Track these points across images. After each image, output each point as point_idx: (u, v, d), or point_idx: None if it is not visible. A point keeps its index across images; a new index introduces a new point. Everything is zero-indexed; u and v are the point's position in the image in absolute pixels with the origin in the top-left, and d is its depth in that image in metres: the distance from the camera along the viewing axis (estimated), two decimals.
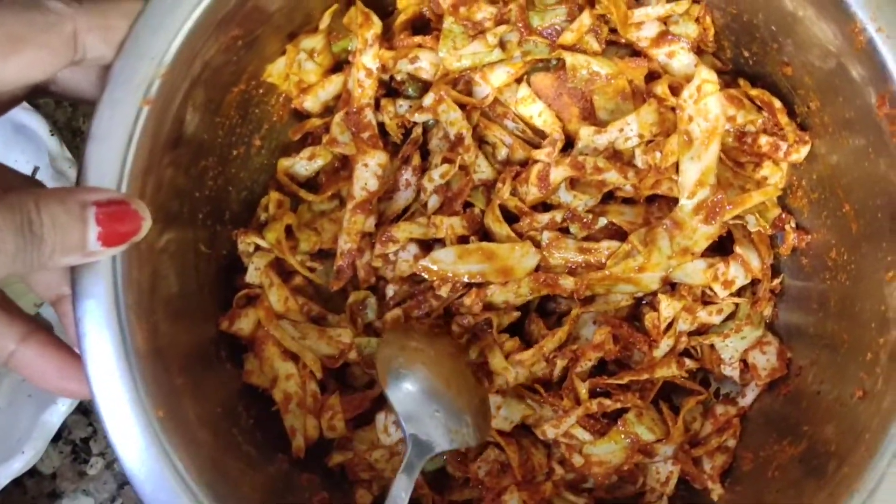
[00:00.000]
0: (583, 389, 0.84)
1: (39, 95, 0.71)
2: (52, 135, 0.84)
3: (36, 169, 0.87)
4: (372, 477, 0.86)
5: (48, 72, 0.65)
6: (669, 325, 0.85)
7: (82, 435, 0.92)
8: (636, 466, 0.85)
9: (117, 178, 0.68)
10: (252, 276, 0.86)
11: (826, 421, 0.77)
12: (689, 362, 0.87)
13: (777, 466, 0.80)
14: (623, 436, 0.84)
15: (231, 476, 0.75)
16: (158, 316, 0.73)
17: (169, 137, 0.73)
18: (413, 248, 0.85)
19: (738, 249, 0.85)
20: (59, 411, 0.84)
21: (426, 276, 0.83)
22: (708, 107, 0.83)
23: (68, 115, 0.95)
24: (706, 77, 0.82)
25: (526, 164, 0.86)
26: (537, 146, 0.86)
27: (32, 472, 0.94)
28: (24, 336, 0.69)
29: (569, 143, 0.86)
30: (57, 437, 0.92)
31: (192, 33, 0.71)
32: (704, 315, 0.86)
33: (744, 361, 0.87)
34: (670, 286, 0.85)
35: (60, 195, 0.62)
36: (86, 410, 0.92)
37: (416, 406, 0.79)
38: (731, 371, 0.87)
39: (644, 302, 0.87)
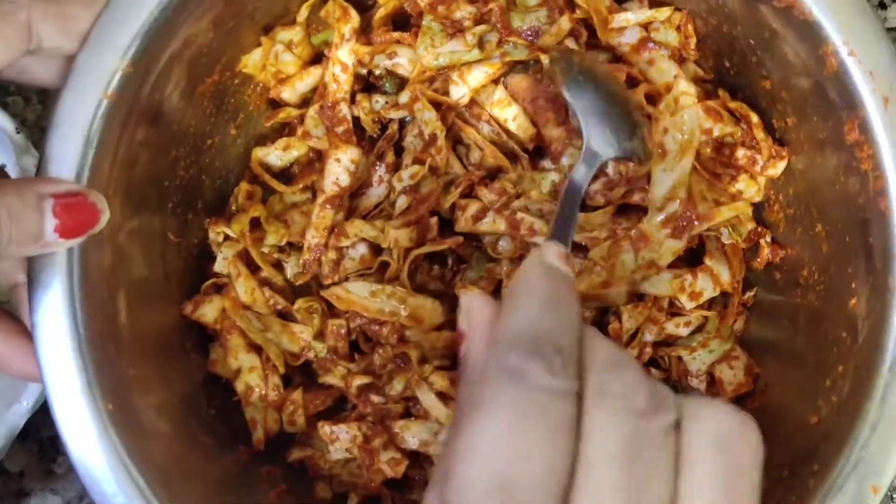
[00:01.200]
0: None
1: None
2: (19, 132, 0.84)
3: (2, 167, 0.86)
4: (332, 473, 0.86)
5: (3, 61, 0.65)
6: (634, 335, 0.84)
7: (49, 433, 0.92)
8: None
9: (77, 168, 0.69)
10: (220, 265, 0.86)
11: (784, 443, 0.76)
12: (655, 372, 0.86)
13: None
14: None
15: (187, 468, 0.75)
16: (118, 304, 0.73)
17: (135, 128, 0.73)
18: (362, 248, 0.84)
19: (707, 261, 0.84)
20: (24, 409, 0.85)
21: (333, 302, 0.84)
22: (684, 119, 0.82)
23: (38, 113, 0.96)
24: (684, 89, 0.81)
25: (499, 171, 0.85)
26: (511, 152, 0.85)
27: None
28: None
29: (542, 150, 0.86)
30: (24, 436, 0.92)
31: (159, 25, 0.71)
32: (671, 327, 0.85)
33: (711, 374, 0.86)
34: (637, 297, 0.85)
35: (18, 186, 0.62)
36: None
37: (591, 102, 0.79)
38: (698, 384, 0.86)
39: (611, 311, 0.86)
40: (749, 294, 0.86)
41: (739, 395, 0.85)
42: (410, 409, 0.84)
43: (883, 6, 1.02)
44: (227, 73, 0.82)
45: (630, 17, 0.83)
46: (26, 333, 0.70)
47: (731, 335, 0.86)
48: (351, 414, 0.84)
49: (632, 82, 0.84)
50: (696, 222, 0.81)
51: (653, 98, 0.83)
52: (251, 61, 0.84)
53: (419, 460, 0.86)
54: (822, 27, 0.69)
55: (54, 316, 0.68)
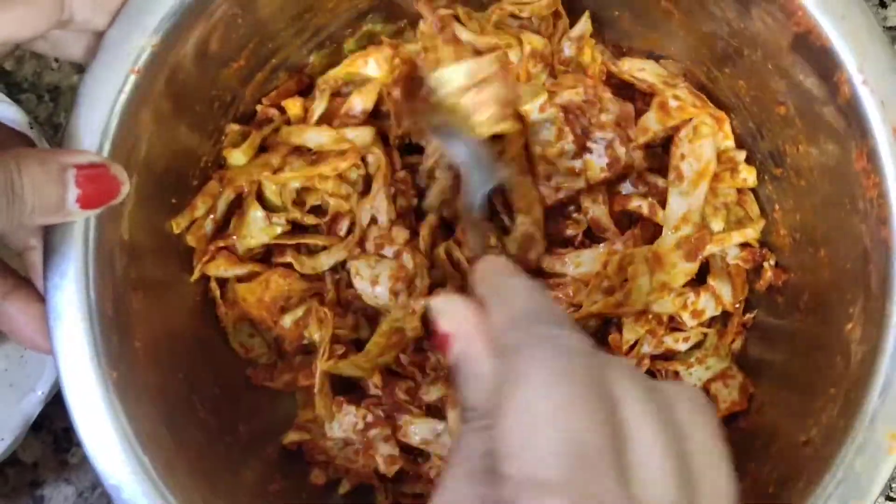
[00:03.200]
0: None
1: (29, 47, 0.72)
2: (32, 128, 0.85)
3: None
4: (328, 459, 0.87)
5: (36, 30, 0.66)
6: (633, 346, 0.86)
7: (63, 425, 0.94)
8: None
9: (100, 140, 0.70)
10: None
11: (772, 460, 0.77)
12: None
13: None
14: None
15: (186, 444, 0.76)
16: (131, 275, 0.75)
17: (159, 104, 0.75)
18: None
19: (710, 281, 0.86)
20: (38, 399, 0.86)
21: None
22: (702, 149, 0.84)
23: (49, 110, 0.97)
24: (705, 120, 0.83)
25: None
26: None
27: (14, 462, 0.95)
28: (7, 291, 0.71)
29: None
30: (38, 427, 0.94)
31: (188, 5, 0.73)
32: (670, 341, 0.87)
33: (706, 391, 0.87)
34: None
35: (41, 157, 0.63)
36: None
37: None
38: None
39: (612, 322, 0.88)
40: (749, 315, 0.87)
41: (732, 413, 0.86)
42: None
43: (883, 5, 1.03)
44: (252, 60, 0.84)
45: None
46: (40, 299, 0.71)
47: (729, 354, 0.88)
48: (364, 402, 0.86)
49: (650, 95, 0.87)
50: (708, 245, 0.83)
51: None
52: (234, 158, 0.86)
53: (413, 455, 0.87)
54: (837, 54, 0.70)
55: (68, 283, 0.70)
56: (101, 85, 0.71)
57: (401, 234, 0.86)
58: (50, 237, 0.70)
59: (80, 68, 0.92)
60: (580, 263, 0.86)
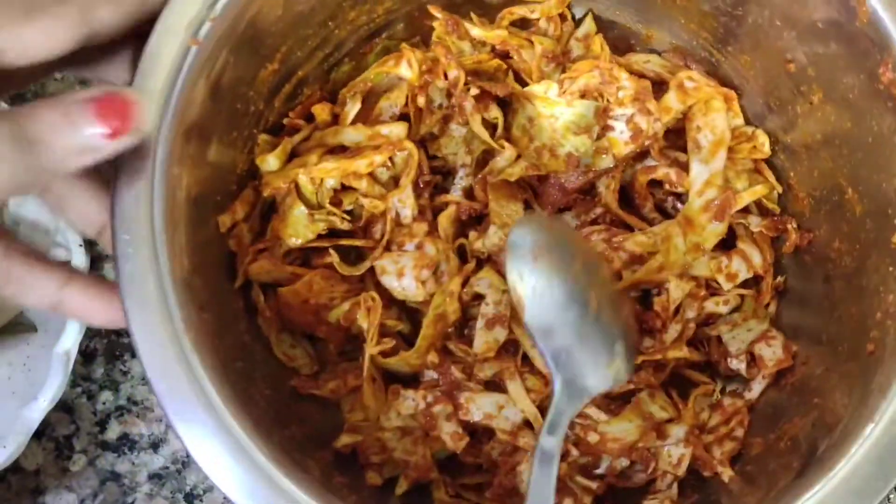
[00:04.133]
0: None
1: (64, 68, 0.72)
2: None
3: None
4: (382, 460, 0.85)
5: (64, 43, 0.65)
6: (677, 311, 0.88)
7: (65, 432, 0.92)
8: (648, 451, 0.85)
9: (163, 105, 0.72)
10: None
11: (836, 389, 0.79)
12: (697, 354, 0.89)
13: (790, 438, 0.81)
14: (637, 415, 0.84)
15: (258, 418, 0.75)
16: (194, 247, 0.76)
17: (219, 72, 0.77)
18: None
19: (740, 245, 0.89)
20: (40, 407, 0.84)
21: None
22: (715, 122, 0.89)
23: None
24: (715, 97, 0.89)
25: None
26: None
27: (16, 469, 0.94)
28: (64, 282, 0.70)
29: None
30: (40, 435, 0.92)
31: None
32: (711, 305, 0.89)
33: (750, 354, 0.88)
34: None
35: (52, 102, 0.62)
36: (68, 408, 0.92)
37: (558, 334, 0.75)
38: (738, 364, 0.88)
39: (652, 292, 0.90)
40: (780, 279, 0.90)
41: (780, 371, 0.87)
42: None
43: None
44: (283, 68, 0.87)
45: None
46: (102, 283, 0.71)
47: (767, 317, 0.90)
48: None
49: (659, 83, 0.91)
50: (733, 204, 0.86)
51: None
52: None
53: (474, 441, 0.86)
54: None
55: (138, 254, 0.70)
56: (161, 54, 0.73)
57: (420, 227, 0.88)
58: (115, 207, 0.70)
59: (83, 80, 0.96)
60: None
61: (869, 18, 0.76)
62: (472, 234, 0.89)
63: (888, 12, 0.75)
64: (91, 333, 0.92)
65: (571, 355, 0.76)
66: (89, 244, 0.84)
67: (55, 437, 0.92)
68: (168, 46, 0.73)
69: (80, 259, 0.84)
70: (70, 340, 0.83)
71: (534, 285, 0.76)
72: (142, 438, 0.92)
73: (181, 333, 0.70)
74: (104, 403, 0.92)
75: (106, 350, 0.92)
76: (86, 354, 0.92)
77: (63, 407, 0.91)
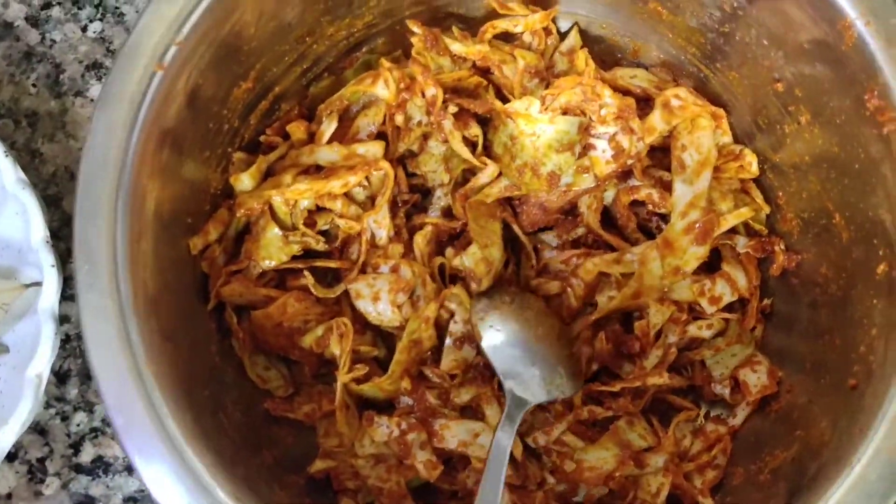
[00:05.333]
0: (576, 395, 0.84)
1: None
2: (7, 156, 0.84)
3: None
4: (357, 486, 0.84)
5: None
6: (658, 337, 0.86)
7: (38, 455, 0.90)
8: (627, 480, 0.84)
9: (127, 133, 0.72)
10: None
11: (819, 421, 0.77)
12: (679, 379, 0.87)
13: (770, 471, 0.79)
14: (614, 443, 0.83)
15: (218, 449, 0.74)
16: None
17: (178, 112, 0.76)
18: None
19: (724, 267, 0.87)
20: (12, 430, 0.83)
21: None
22: (701, 140, 0.86)
23: (27, 135, 0.97)
24: (702, 115, 0.86)
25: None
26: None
27: None
28: None
29: None
30: (13, 457, 0.91)
31: (211, 6, 0.75)
32: (694, 329, 0.87)
33: (734, 379, 0.86)
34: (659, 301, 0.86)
35: None
36: (42, 430, 0.90)
37: (510, 358, 0.83)
38: (722, 389, 0.86)
39: (634, 315, 0.88)
40: (766, 301, 0.88)
41: (764, 397, 0.85)
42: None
43: None
44: (258, 85, 0.85)
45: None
46: None
47: (752, 341, 0.88)
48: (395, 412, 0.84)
49: (645, 99, 0.89)
50: (716, 227, 0.84)
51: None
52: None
53: (449, 469, 0.84)
54: (838, 2, 0.73)
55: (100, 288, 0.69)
56: (126, 78, 0.72)
57: (396, 248, 0.86)
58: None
59: (58, 94, 0.95)
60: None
61: (854, 43, 0.73)
62: (450, 251, 0.88)
63: (875, 39, 0.73)
64: (65, 354, 0.91)
65: (519, 373, 0.84)
66: (62, 264, 0.83)
67: (28, 460, 0.91)
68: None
69: (51, 279, 0.83)
70: (42, 363, 0.81)
71: (491, 323, 0.85)
72: (116, 461, 0.90)
73: (142, 366, 0.70)
74: (78, 425, 0.90)
75: (80, 371, 0.90)
76: (59, 375, 0.91)
77: (36, 429, 0.90)
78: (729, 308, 0.88)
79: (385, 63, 0.88)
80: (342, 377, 0.82)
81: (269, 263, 0.85)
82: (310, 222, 0.86)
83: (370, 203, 0.87)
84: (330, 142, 0.87)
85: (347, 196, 0.86)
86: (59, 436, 0.90)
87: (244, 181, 0.85)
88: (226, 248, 0.85)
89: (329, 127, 0.87)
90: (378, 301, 0.84)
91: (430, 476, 0.81)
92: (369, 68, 0.90)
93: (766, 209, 0.88)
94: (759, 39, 0.82)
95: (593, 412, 0.84)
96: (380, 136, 0.89)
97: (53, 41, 0.98)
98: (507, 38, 0.92)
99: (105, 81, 0.73)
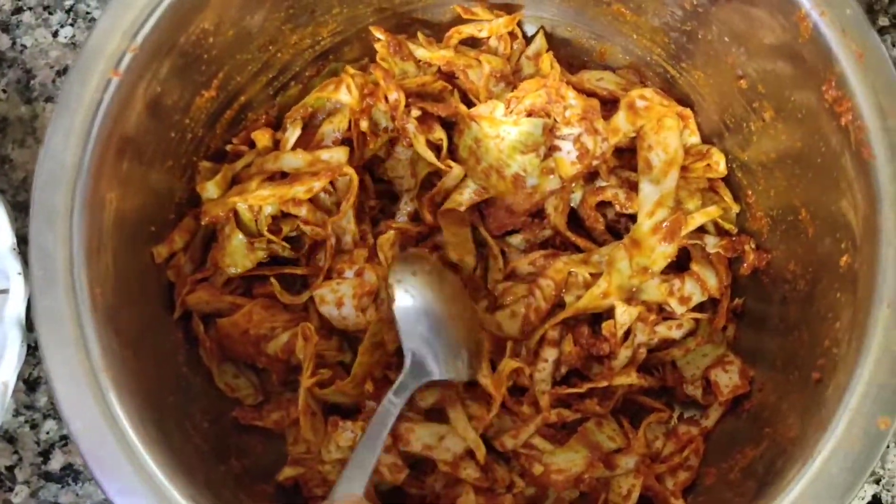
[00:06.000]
0: (543, 398, 0.83)
1: None
2: None
3: None
4: (326, 493, 0.83)
5: None
6: (627, 336, 0.85)
7: (7, 463, 0.90)
8: (598, 482, 0.83)
9: (83, 139, 0.72)
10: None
11: (784, 418, 0.76)
12: (650, 379, 0.86)
13: (740, 469, 0.78)
14: (583, 445, 0.82)
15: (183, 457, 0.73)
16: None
17: (137, 122, 0.76)
18: None
19: (693, 267, 0.86)
20: None
21: None
22: (668, 140, 0.86)
23: None
24: (668, 115, 0.86)
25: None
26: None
27: None
28: None
29: None
30: None
31: (167, 14, 0.75)
32: (663, 329, 0.86)
33: (706, 380, 0.86)
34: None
35: None
36: (11, 438, 0.90)
37: (418, 326, 0.82)
38: (694, 390, 0.86)
39: (603, 317, 0.87)
40: (738, 300, 0.87)
41: (736, 398, 0.85)
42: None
43: None
44: (222, 94, 0.85)
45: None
46: None
47: (724, 341, 0.87)
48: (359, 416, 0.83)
49: (612, 101, 0.89)
50: (683, 226, 0.83)
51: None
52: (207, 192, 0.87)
53: (417, 472, 0.84)
54: None
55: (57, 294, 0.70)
56: (82, 86, 0.73)
57: (361, 253, 0.86)
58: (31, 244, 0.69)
59: (29, 99, 0.95)
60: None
61: (811, 34, 0.73)
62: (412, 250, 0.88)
63: (830, 29, 0.73)
64: (35, 361, 0.90)
65: (423, 345, 0.82)
66: (21, 251, 0.83)
67: None
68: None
69: (18, 287, 0.83)
70: (8, 371, 0.81)
71: (406, 288, 0.82)
72: (86, 469, 0.90)
73: (99, 372, 0.69)
74: (48, 433, 0.90)
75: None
76: (29, 383, 0.90)
77: (5, 437, 0.89)
78: (700, 308, 0.87)
79: (349, 69, 0.89)
80: (305, 381, 0.81)
81: (234, 270, 0.85)
82: (275, 229, 0.86)
83: (336, 209, 0.87)
84: (294, 148, 0.87)
85: (313, 202, 0.86)
86: (29, 444, 0.90)
87: (210, 190, 0.85)
88: (192, 257, 0.85)
89: (293, 134, 0.87)
90: (342, 306, 0.84)
91: (396, 480, 0.81)
92: (336, 76, 0.91)
93: (736, 208, 0.88)
94: (721, 37, 0.82)
95: (561, 415, 0.83)
96: (346, 142, 0.89)
97: (24, 46, 0.99)
98: (474, 43, 0.92)
99: (62, 87, 0.73)
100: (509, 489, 0.83)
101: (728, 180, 0.89)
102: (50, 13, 1.00)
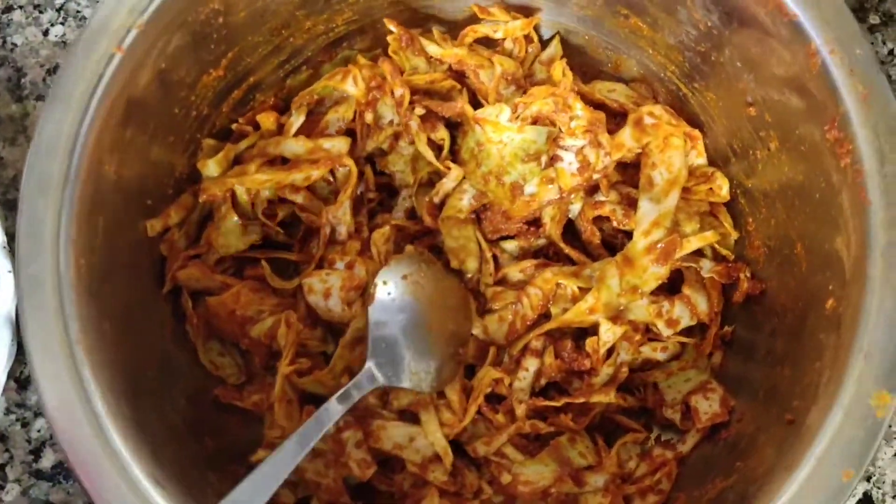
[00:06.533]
0: (520, 407, 0.83)
1: None
2: None
3: None
4: (296, 479, 0.84)
5: None
6: (610, 354, 0.85)
7: None
8: (566, 497, 0.82)
9: (82, 110, 0.73)
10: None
11: (758, 452, 0.76)
12: (630, 399, 0.86)
13: (708, 499, 0.78)
14: (554, 459, 0.82)
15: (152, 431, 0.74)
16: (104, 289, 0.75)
17: (141, 98, 0.77)
18: None
19: (685, 290, 0.86)
20: None
21: None
22: (672, 160, 0.85)
23: None
24: (675, 134, 0.85)
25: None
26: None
27: None
28: None
29: None
30: None
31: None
32: (648, 350, 0.86)
33: (686, 405, 0.85)
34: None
35: None
36: (2, 436, 0.90)
37: (389, 330, 0.83)
38: (673, 413, 0.85)
39: (588, 332, 0.87)
40: (727, 328, 0.87)
41: (714, 425, 0.84)
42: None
43: None
44: (230, 74, 0.85)
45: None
46: None
47: (708, 367, 0.86)
48: None
49: (621, 114, 0.88)
50: (678, 249, 0.83)
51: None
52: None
53: (387, 470, 0.84)
54: (804, 27, 0.72)
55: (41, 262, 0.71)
56: (86, 61, 0.73)
57: (353, 245, 0.86)
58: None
59: (19, 98, 0.94)
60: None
61: (818, 70, 0.72)
62: (410, 248, 0.87)
63: (838, 68, 0.72)
64: (25, 360, 0.90)
65: (389, 350, 0.82)
66: (11, 249, 0.83)
67: None
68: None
69: (7, 284, 0.80)
70: None
71: (390, 291, 0.84)
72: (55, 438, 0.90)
73: (74, 342, 0.70)
74: (39, 431, 0.90)
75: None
76: (20, 381, 0.90)
77: None
78: (688, 332, 0.86)
79: (361, 60, 0.88)
80: (283, 368, 0.82)
81: (227, 250, 0.85)
82: (271, 213, 0.86)
83: (333, 198, 0.87)
84: (297, 135, 0.87)
85: (310, 189, 0.87)
86: (20, 442, 0.90)
87: (210, 167, 0.85)
88: (188, 233, 0.86)
89: (297, 119, 0.87)
90: (329, 297, 0.84)
91: (363, 475, 0.81)
92: (348, 64, 0.90)
93: (735, 235, 0.87)
94: (734, 61, 0.81)
95: (536, 426, 0.83)
96: (349, 133, 0.89)
97: (14, 45, 0.98)
98: (488, 43, 0.92)
99: (68, 51, 0.73)
100: (476, 495, 0.83)
101: (730, 206, 0.88)
102: (41, 12, 0.99)
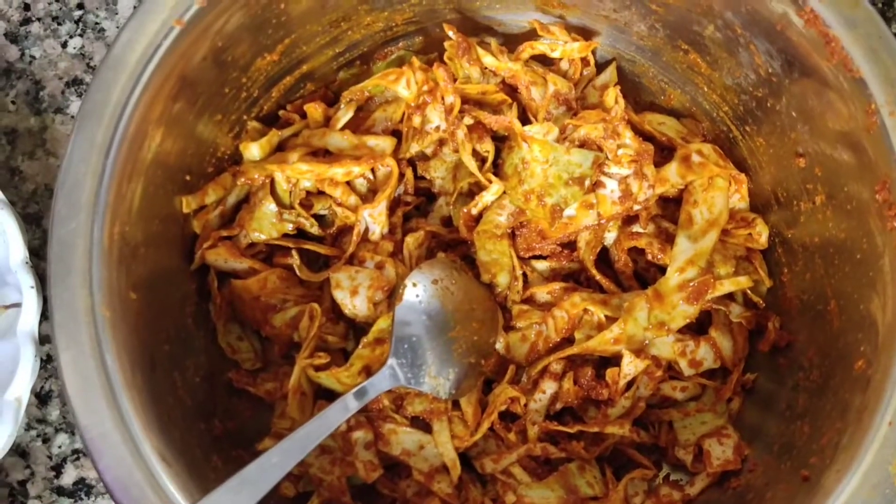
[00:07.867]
0: (533, 429, 0.82)
1: None
2: None
3: None
4: (300, 473, 0.83)
5: None
6: (629, 387, 0.84)
7: (20, 477, 0.90)
8: None
9: (134, 78, 0.73)
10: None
11: None
12: (644, 434, 0.85)
13: None
14: (561, 485, 0.81)
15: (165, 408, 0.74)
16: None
17: (194, 73, 0.77)
18: None
19: (712, 332, 0.85)
20: None
21: None
22: (715, 200, 0.84)
23: (7, 153, 0.96)
24: (721, 175, 0.85)
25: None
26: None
27: None
28: None
29: None
30: None
31: None
32: (667, 388, 0.85)
33: (699, 447, 0.84)
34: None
35: None
36: (23, 452, 0.90)
37: (414, 332, 0.82)
38: (685, 455, 0.84)
39: (612, 362, 0.86)
40: (749, 375, 0.86)
41: (725, 472, 0.83)
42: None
43: None
44: (284, 60, 0.85)
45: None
46: None
47: (726, 413, 0.86)
48: None
49: (669, 148, 0.88)
50: (710, 290, 0.82)
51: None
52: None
53: (391, 475, 0.83)
54: (867, 85, 0.71)
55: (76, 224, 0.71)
56: (143, 29, 0.73)
57: (386, 246, 0.86)
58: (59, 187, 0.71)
59: (38, 111, 0.94)
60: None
61: (876, 130, 0.71)
62: (441, 256, 0.87)
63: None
64: (46, 375, 0.91)
65: (411, 352, 0.82)
66: (42, 285, 0.82)
67: (9, 483, 0.90)
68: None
69: (31, 301, 0.81)
70: (22, 386, 0.80)
71: (418, 293, 0.83)
72: (99, 483, 0.89)
73: (98, 309, 0.70)
74: (60, 447, 0.90)
75: (62, 392, 0.88)
76: (41, 397, 0.91)
77: (17, 451, 0.89)
78: (709, 374, 0.86)
79: (415, 62, 0.88)
80: (301, 360, 0.81)
81: (258, 236, 0.85)
82: (307, 204, 0.86)
83: (371, 196, 0.87)
84: (344, 129, 0.87)
85: (349, 185, 0.86)
86: (41, 458, 0.90)
87: (253, 150, 0.85)
88: (222, 214, 0.85)
89: (345, 114, 0.87)
90: (356, 295, 0.83)
91: (368, 477, 0.81)
92: (402, 64, 0.90)
93: (768, 283, 0.86)
94: (790, 110, 0.80)
95: (546, 450, 0.82)
96: (394, 133, 0.89)
97: (33, 57, 0.97)
98: (544, 61, 0.91)
99: (125, 25, 0.73)
100: None
101: (767, 254, 0.87)
102: (59, 24, 0.97)
